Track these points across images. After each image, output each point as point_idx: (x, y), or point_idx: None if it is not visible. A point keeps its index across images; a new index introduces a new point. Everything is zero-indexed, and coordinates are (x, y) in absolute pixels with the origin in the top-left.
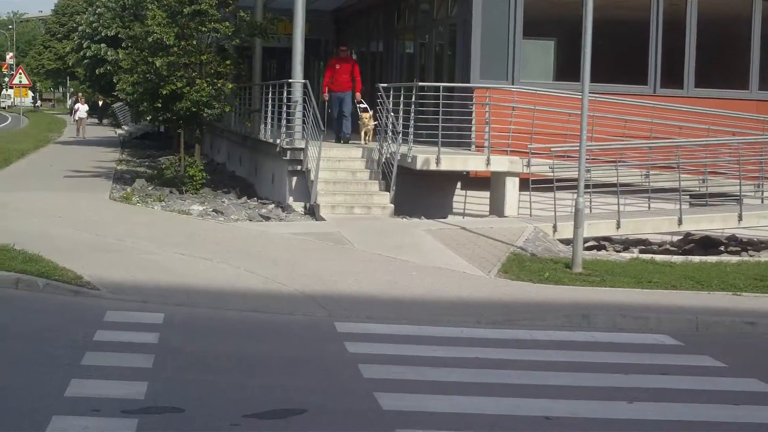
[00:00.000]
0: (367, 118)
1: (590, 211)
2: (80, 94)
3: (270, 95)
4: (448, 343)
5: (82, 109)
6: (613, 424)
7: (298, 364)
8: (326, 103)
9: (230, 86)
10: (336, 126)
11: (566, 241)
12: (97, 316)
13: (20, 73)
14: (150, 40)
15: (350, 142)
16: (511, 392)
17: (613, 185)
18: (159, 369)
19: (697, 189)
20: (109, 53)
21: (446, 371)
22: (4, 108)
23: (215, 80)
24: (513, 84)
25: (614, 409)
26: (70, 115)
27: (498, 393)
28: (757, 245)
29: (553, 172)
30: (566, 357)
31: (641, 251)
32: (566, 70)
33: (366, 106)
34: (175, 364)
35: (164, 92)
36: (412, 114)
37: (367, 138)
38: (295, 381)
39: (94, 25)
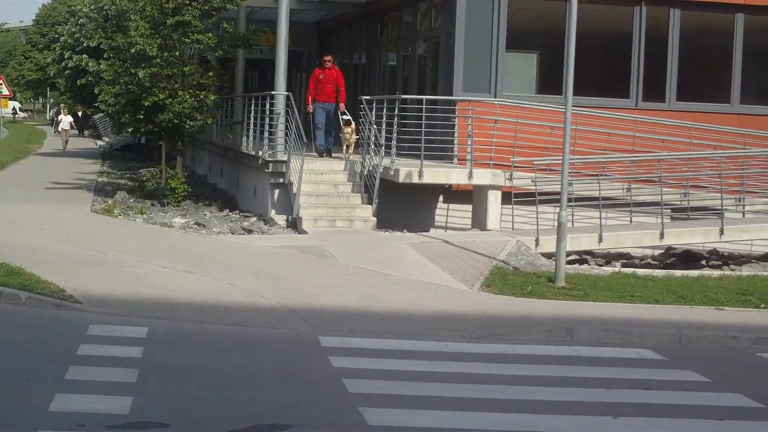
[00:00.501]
0: (349, 132)
1: (572, 224)
2: (62, 105)
3: (252, 107)
4: (431, 357)
5: (66, 120)
6: None
7: (283, 378)
8: (311, 115)
9: (212, 98)
10: (318, 139)
11: (548, 255)
12: (80, 330)
13: (0, 84)
14: (132, 51)
15: (332, 155)
16: (496, 407)
17: (595, 199)
18: (143, 383)
19: (679, 203)
20: (90, 64)
21: (430, 386)
22: None
23: (197, 92)
24: (495, 97)
25: (600, 423)
26: (52, 126)
27: (482, 408)
28: (738, 259)
29: (535, 185)
30: (550, 371)
31: (623, 265)
32: (549, 83)
33: (349, 118)
34: (160, 378)
35: (146, 104)
36: (395, 126)
37: (349, 151)
38: (281, 395)
39: (76, 35)
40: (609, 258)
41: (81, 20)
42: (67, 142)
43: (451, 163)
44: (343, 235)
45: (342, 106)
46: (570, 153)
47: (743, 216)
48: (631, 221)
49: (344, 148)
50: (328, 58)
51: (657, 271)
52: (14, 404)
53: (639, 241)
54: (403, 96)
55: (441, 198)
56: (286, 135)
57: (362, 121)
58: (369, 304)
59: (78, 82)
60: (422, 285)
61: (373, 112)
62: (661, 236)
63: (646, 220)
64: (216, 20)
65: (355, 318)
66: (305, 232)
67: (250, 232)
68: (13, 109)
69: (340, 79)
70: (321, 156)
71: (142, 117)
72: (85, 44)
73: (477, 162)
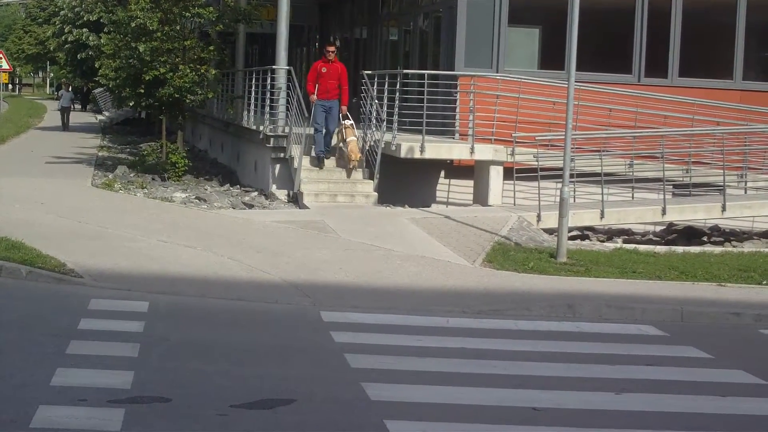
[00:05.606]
0: (353, 141)
1: (574, 200)
2: (63, 80)
3: (253, 81)
4: (434, 332)
5: (66, 96)
6: (602, 415)
7: (285, 353)
8: (311, 111)
9: (213, 72)
10: (317, 144)
11: (550, 231)
12: (81, 305)
13: (0, 58)
14: (133, 25)
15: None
16: (498, 383)
17: (597, 175)
18: (145, 358)
19: (681, 179)
20: (90, 38)
21: (433, 361)
22: None
23: (198, 66)
24: (497, 72)
25: (602, 399)
26: (57, 100)
27: (485, 384)
28: (739, 236)
29: (537, 161)
30: (552, 347)
31: (625, 241)
32: (551, 58)
33: (352, 122)
34: (161, 353)
35: (147, 78)
36: (397, 102)
37: (352, 164)
38: (282, 370)
39: (76, 9)
40: (610, 234)
41: None
42: (67, 118)
43: (453, 138)
44: (344, 210)
45: (344, 108)
46: (572, 129)
47: (745, 192)
48: (633, 197)
49: (345, 160)
50: (332, 49)
51: (659, 247)
52: (15, 379)
53: (641, 217)
54: (405, 71)
55: (442, 173)
56: (288, 110)
57: (363, 96)
58: (370, 279)
59: (78, 56)
60: (424, 260)
61: (375, 87)
62: (663, 212)
63: (648, 196)
64: None
65: (357, 293)
66: (306, 207)
67: (251, 206)
68: (16, 83)
69: (344, 76)
70: (319, 165)
71: (142, 91)
72: (85, 18)
73: (479, 137)
